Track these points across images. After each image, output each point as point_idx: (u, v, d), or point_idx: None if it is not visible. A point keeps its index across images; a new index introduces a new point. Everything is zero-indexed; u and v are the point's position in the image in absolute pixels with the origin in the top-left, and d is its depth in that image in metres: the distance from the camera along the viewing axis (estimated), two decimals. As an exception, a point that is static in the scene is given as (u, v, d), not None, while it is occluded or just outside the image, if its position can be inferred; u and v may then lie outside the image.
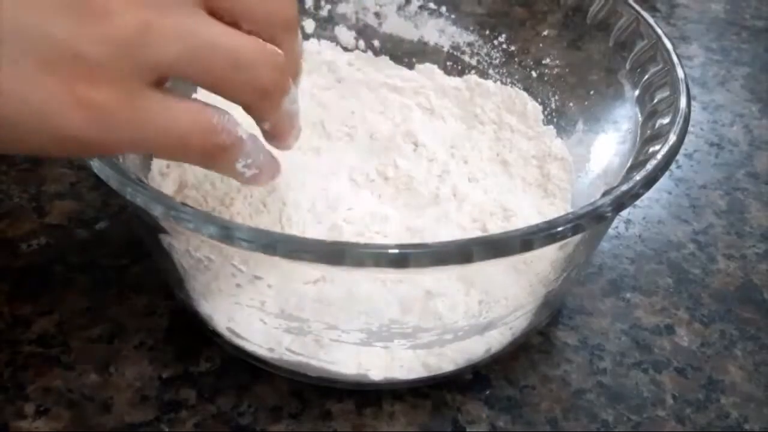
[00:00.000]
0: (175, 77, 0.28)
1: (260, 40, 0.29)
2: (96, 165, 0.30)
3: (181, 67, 0.27)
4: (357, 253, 0.27)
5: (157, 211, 0.28)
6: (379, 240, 0.38)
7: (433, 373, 0.35)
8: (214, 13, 0.28)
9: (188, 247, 0.32)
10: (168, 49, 0.26)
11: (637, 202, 0.37)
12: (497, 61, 0.49)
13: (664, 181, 0.49)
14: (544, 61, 0.47)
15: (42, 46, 0.25)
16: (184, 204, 0.28)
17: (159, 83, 0.27)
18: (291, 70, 0.31)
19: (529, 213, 0.41)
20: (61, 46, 0.25)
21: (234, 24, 0.28)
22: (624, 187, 0.31)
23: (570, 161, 0.44)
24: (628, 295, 0.42)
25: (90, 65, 0.25)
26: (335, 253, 0.27)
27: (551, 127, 0.46)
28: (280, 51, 0.29)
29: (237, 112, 0.30)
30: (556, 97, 0.47)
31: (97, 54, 0.25)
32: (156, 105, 0.27)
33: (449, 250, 0.28)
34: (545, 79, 0.47)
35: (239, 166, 0.30)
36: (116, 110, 0.26)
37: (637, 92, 0.39)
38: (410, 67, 0.51)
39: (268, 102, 0.30)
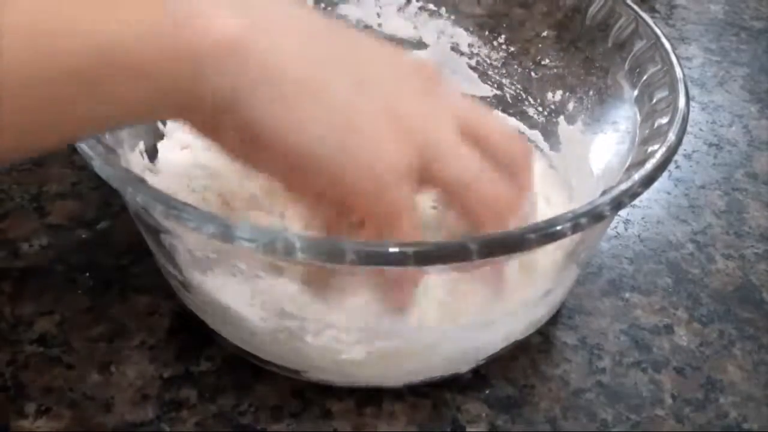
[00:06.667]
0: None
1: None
2: (97, 165, 0.30)
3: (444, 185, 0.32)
4: (357, 252, 0.27)
5: (157, 210, 0.29)
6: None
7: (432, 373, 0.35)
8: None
9: (189, 247, 0.32)
10: (448, 169, 0.31)
11: (636, 202, 0.37)
12: (497, 61, 0.50)
13: (663, 182, 0.49)
14: (543, 62, 0.47)
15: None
16: (184, 203, 0.29)
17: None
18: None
19: (528, 213, 0.41)
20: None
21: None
22: (623, 187, 0.31)
23: (569, 161, 0.44)
24: (627, 295, 0.42)
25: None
26: (335, 253, 0.27)
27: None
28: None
29: None
30: (556, 98, 0.47)
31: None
32: (400, 194, 0.30)
33: (449, 249, 0.28)
34: (545, 79, 0.47)
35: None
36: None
37: (636, 92, 0.39)
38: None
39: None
